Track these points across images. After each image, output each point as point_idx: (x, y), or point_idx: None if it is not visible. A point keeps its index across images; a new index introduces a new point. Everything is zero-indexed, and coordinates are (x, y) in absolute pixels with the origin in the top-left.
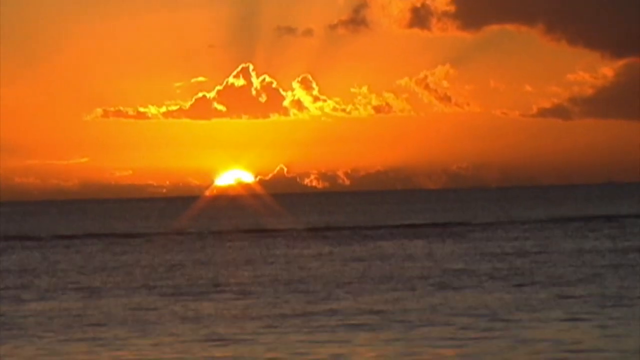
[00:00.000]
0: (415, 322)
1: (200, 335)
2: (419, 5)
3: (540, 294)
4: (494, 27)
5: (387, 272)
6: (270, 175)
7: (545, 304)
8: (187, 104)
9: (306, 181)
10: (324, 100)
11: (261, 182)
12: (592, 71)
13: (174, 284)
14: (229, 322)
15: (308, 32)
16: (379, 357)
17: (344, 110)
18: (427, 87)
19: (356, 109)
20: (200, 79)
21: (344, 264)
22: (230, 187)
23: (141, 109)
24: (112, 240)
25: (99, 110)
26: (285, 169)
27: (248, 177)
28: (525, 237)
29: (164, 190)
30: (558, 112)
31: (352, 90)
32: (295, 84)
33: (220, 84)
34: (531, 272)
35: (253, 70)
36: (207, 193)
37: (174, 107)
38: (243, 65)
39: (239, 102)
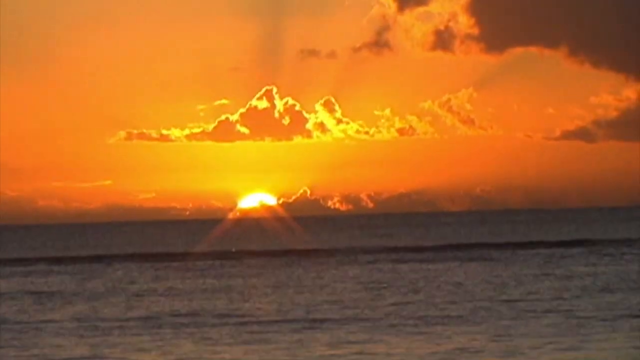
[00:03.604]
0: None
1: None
2: (442, 27)
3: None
4: (517, 50)
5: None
6: (293, 198)
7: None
8: (210, 127)
9: (329, 204)
10: (347, 123)
11: (284, 205)
12: (616, 94)
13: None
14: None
15: (331, 55)
16: None
17: (367, 132)
18: (450, 109)
19: (379, 131)
20: (224, 101)
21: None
22: (253, 209)
23: (164, 132)
24: (142, 261)
25: (122, 133)
26: (309, 192)
27: (271, 200)
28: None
29: (187, 213)
30: (582, 134)
31: (376, 112)
32: (318, 107)
33: (244, 107)
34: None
35: (276, 92)
36: (231, 216)
37: (197, 130)
38: (266, 87)
39: (262, 124)
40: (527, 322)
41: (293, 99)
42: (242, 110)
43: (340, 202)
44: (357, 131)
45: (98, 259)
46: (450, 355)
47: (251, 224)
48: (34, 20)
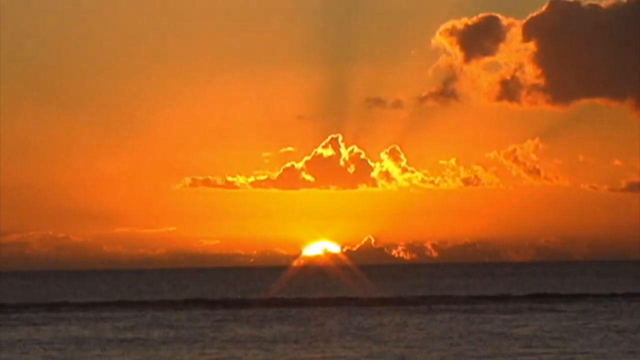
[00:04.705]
0: None
1: None
2: (508, 78)
3: None
4: (584, 102)
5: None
6: (357, 246)
7: None
8: (275, 174)
9: (393, 252)
10: (412, 172)
11: (348, 253)
12: None
13: None
14: None
15: (397, 104)
16: None
17: (432, 182)
18: (516, 160)
19: (444, 181)
20: (289, 149)
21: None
22: (317, 257)
23: (229, 179)
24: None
25: (188, 180)
26: (373, 240)
27: (335, 248)
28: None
29: (252, 260)
30: None
31: (441, 162)
32: (383, 155)
33: (309, 155)
34: None
35: (342, 141)
36: (295, 263)
37: (262, 177)
38: (332, 135)
39: (327, 172)
40: None
41: (358, 147)
42: (308, 158)
43: (405, 250)
44: (422, 180)
45: (161, 304)
46: None
47: (315, 271)
48: (99, 66)
